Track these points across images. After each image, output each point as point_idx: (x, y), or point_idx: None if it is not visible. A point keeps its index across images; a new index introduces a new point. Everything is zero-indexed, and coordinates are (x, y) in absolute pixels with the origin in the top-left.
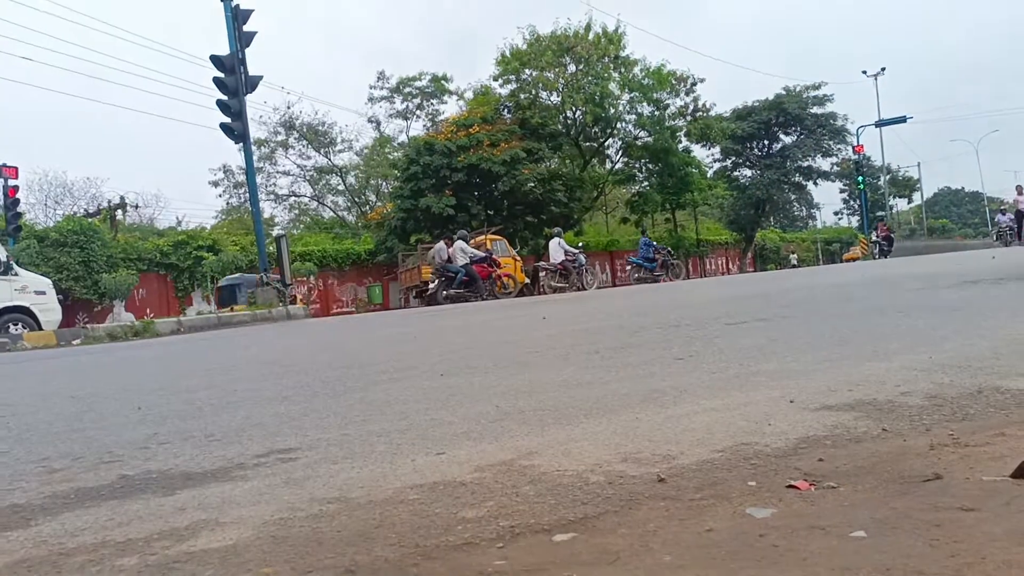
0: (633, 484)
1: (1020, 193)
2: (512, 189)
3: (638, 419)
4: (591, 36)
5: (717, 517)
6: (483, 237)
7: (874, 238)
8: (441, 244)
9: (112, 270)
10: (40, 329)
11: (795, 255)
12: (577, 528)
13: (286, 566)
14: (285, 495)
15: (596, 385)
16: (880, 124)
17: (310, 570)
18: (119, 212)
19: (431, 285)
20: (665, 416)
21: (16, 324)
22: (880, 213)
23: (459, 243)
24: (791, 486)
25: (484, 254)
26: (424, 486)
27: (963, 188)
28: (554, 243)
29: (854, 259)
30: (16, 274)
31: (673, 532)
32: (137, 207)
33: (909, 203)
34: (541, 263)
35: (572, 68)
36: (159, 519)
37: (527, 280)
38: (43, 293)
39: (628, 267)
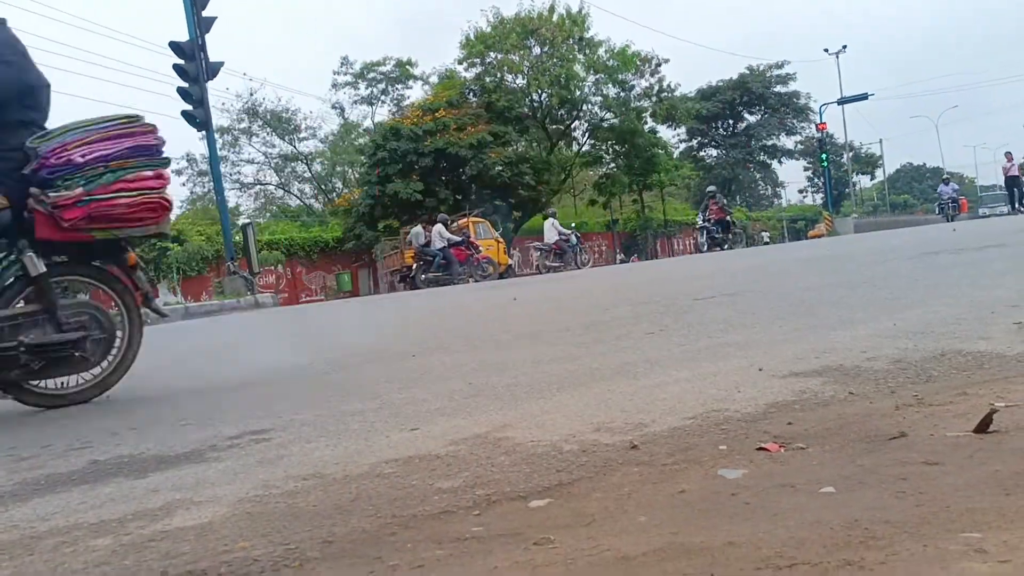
0: (607, 452)
1: (1009, 160)
2: (480, 173)
3: (610, 391)
4: (555, 18)
5: (690, 479)
6: (465, 220)
7: (700, 223)
8: (419, 228)
9: None
10: None
11: (767, 232)
12: (552, 494)
13: (263, 540)
14: (259, 474)
15: (567, 361)
16: (842, 102)
17: (287, 543)
18: None
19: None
20: (636, 387)
21: None
22: (710, 188)
23: (437, 227)
24: (761, 448)
25: (460, 238)
26: (399, 460)
27: (924, 164)
28: (548, 223)
29: (819, 236)
30: None
31: (647, 495)
32: None
33: (872, 179)
34: (535, 243)
35: (537, 50)
36: (132, 500)
37: (510, 262)
38: None
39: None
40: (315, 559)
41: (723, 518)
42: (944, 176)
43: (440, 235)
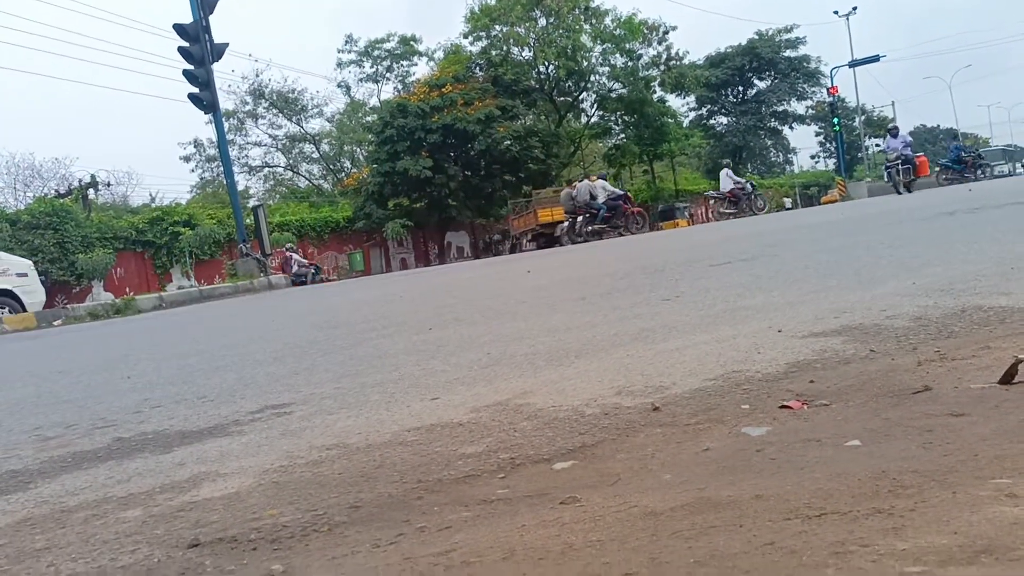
0: (628, 414)
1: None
2: (488, 148)
3: (629, 356)
4: None
5: (713, 438)
6: (594, 177)
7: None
8: (584, 183)
9: (88, 250)
10: (24, 311)
11: (789, 198)
12: (576, 456)
13: (291, 507)
14: (283, 445)
15: (585, 328)
16: (853, 64)
17: (315, 509)
18: (91, 191)
19: (562, 226)
20: (656, 352)
21: (1, 307)
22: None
23: (600, 182)
24: (784, 406)
25: (622, 192)
26: (422, 428)
27: (939, 125)
28: (723, 173)
29: (833, 201)
30: None
31: (671, 454)
32: (109, 185)
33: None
34: (710, 192)
35: (543, 22)
36: (159, 474)
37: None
38: (25, 275)
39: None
40: (343, 523)
41: (749, 473)
42: (890, 125)
43: (604, 189)
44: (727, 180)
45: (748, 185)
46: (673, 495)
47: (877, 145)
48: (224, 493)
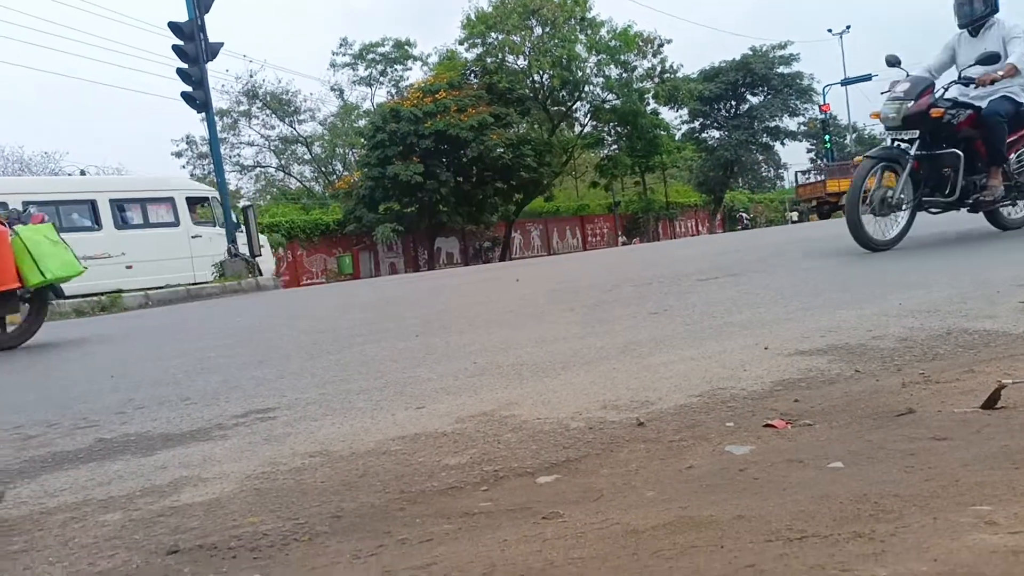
0: (613, 429)
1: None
2: (480, 155)
3: (615, 369)
4: None
5: (697, 455)
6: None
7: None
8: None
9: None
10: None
11: (793, 213)
12: (560, 470)
13: (272, 515)
14: (266, 451)
15: (572, 340)
16: (846, 83)
17: (296, 518)
18: None
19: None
20: (642, 366)
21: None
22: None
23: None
24: (768, 425)
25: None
26: (406, 438)
27: None
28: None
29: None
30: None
31: (654, 470)
32: None
33: None
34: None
35: (538, 31)
36: (140, 477)
37: None
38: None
39: None
40: (324, 533)
41: (732, 493)
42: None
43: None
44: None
45: None
46: (655, 513)
47: None
48: (205, 498)
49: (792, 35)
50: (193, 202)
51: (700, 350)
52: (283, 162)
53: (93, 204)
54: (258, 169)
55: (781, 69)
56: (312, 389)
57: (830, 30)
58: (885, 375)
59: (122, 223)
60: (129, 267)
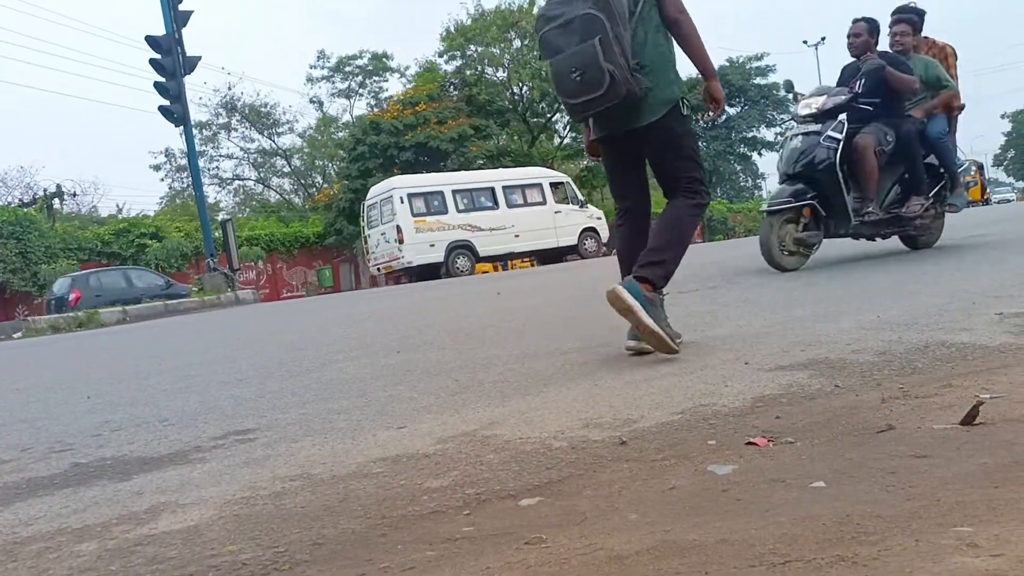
0: (596, 448)
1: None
2: (461, 167)
3: (597, 386)
4: (535, 10)
5: (680, 475)
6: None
7: None
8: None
9: (51, 261)
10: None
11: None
12: (543, 492)
13: (251, 543)
14: (246, 475)
15: (554, 355)
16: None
17: (276, 546)
18: (56, 201)
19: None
20: (624, 382)
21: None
22: None
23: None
24: (750, 443)
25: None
26: (387, 459)
27: None
28: None
29: None
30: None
31: (637, 492)
32: (75, 195)
33: None
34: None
35: (518, 43)
36: (116, 504)
37: None
38: (600, 218)
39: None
40: (305, 562)
41: (715, 515)
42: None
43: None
44: None
45: None
46: (639, 537)
47: None
48: (183, 526)
49: (768, 47)
50: (554, 186)
51: (681, 365)
52: (262, 175)
53: (492, 190)
54: (237, 182)
55: (757, 80)
56: (292, 409)
57: (805, 42)
58: (865, 390)
59: (510, 204)
60: (517, 236)
